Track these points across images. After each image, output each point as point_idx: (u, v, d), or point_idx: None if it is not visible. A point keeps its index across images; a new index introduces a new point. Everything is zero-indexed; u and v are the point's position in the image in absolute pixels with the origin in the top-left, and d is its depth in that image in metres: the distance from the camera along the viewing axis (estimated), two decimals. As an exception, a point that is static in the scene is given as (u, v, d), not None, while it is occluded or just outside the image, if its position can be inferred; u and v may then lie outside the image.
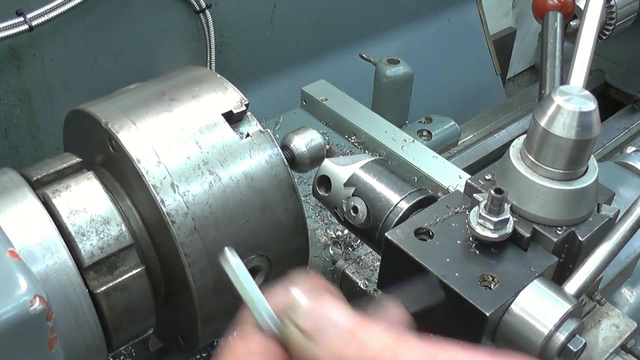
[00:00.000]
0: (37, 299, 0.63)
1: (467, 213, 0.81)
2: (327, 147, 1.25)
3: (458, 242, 0.80)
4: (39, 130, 1.62)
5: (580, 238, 0.81)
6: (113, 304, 0.80)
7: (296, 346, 0.41)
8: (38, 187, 0.81)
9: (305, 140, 0.98)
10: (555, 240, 0.80)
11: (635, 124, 2.10)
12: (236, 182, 0.85)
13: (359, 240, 1.15)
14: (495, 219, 0.77)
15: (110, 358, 1.12)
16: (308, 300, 0.42)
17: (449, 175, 1.25)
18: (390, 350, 0.39)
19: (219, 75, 0.94)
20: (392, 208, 0.92)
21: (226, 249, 0.43)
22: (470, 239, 0.80)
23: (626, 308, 1.14)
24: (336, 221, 1.10)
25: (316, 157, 0.99)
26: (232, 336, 0.44)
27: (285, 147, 0.97)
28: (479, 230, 0.78)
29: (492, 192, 0.77)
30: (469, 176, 0.94)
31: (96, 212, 0.80)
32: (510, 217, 0.79)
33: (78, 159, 0.86)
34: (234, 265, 0.41)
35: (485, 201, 0.78)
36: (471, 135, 1.98)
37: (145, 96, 0.90)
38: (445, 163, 1.31)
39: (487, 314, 0.73)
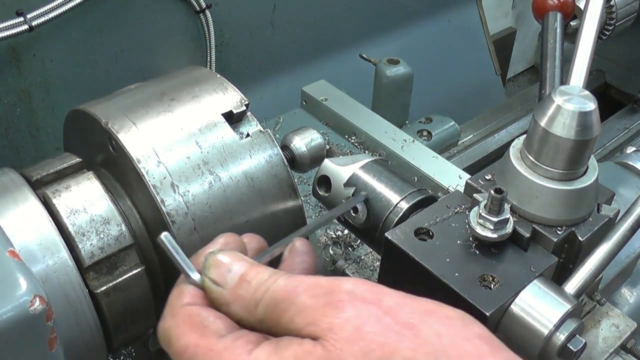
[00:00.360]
0: (37, 299, 0.63)
1: (467, 213, 0.81)
2: (327, 147, 1.25)
3: (458, 242, 0.80)
4: (39, 131, 1.62)
5: (580, 238, 0.81)
6: (113, 304, 0.80)
7: (210, 291, 0.57)
8: (38, 187, 0.81)
9: (305, 140, 0.98)
10: (555, 240, 0.80)
11: (635, 124, 2.10)
12: (236, 182, 0.85)
13: (359, 240, 1.15)
14: (495, 219, 0.77)
15: (110, 358, 1.12)
16: (216, 258, 0.58)
17: (449, 175, 1.25)
18: (265, 285, 0.55)
19: (219, 76, 0.94)
20: (392, 208, 0.92)
21: (164, 233, 0.60)
22: (470, 239, 0.80)
23: (626, 308, 1.14)
24: (336, 221, 1.10)
25: (316, 157, 0.99)
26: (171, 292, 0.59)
27: (285, 147, 0.97)
28: (479, 230, 0.78)
29: (492, 192, 0.77)
30: (469, 176, 0.94)
31: (96, 212, 0.80)
32: (510, 217, 0.79)
33: (78, 159, 0.86)
34: (168, 243, 0.59)
35: (485, 201, 0.78)
36: (471, 135, 1.98)
37: (145, 96, 0.90)
38: (445, 163, 1.31)
39: (487, 314, 0.73)
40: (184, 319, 0.56)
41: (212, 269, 0.57)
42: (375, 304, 0.51)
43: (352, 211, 0.95)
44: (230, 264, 0.57)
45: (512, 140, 0.85)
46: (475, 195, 0.83)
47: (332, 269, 1.13)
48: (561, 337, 0.74)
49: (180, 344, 0.55)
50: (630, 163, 1.35)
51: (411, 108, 1.78)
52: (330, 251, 1.14)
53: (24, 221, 0.77)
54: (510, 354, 0.53)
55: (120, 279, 0.80)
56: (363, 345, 0.49)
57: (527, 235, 0.80)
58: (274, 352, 0.51)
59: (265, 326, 0.55)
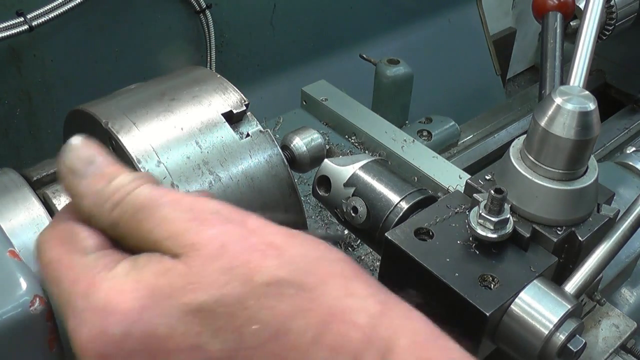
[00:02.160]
0: (37, 299, 0.63)
1: (467, 213, 0.81)
2: (327, 147, 1.25)
3: (458, 242, 0.80)
4: (39, 131, 1.62)
5: (580, 238, 0.81)
6: (113, 304, 0.80)
7: (64, 178, 0.53)
8: (38, 187, 0.81)
9: (305, 140, 0.98)
10: (555, 240, 0.80)
11: (635, 124, 2.09)
12: (236, 182, 0.85)
13: (359, 240, 1.15)
14: (495, 219, 0.77)
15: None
16: (77, 144, 0.54)
17: (449, 175, 1.25)
18: (126, 189, 0.52)
19: (219, 76, 0.94)
20: (392, 208, 0.92)
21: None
22: (470, 239, 0.80)
23: (626, 308, 1.14)
24: (336, 221, 1.10)
25: (316, 157, 0.99)
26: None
27: (285, 147, 0.97)
28: (479, 230, 0.78)
29: (492, 192, 0.77)
30: (469, 176, 0.94)
31: (96, 212, 0.80)
32: (510, 217, 0.79)
33: (78, 159, 0.86)
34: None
35: (485, 201, 0.78)
36: (471, 136, 1.98)
37: (145, 96, 0.90)
38: (445, 163, 1.30)
39: (487, 314, 0.73)
40: (57, 232, 0.54)
41: (72, 155, 0.53)
42: (240, 225, 0.50)
43: (352, 211, 0.95)
44: (92, 155, 0.54)
45: (512, 140, 0.85)
46: (475, 195, 0.83)
47: (332, 269, 1.12)
48: (561, 337, 0.74)
49: (46, 257, 0.53)
50: (630, 163, 1.35)
51: (411, 108, 1.77)
52: (330, 251, 1.13)
53: (24, 221, 0.76)
54: (372, 279, 0.53)
55: (120, 279, 0.80)
56: (226, 262, 0.47)
57: (527, 235, 0.80)
58: (133, 268, 0.49)
59: (118, 231, 0.52)
